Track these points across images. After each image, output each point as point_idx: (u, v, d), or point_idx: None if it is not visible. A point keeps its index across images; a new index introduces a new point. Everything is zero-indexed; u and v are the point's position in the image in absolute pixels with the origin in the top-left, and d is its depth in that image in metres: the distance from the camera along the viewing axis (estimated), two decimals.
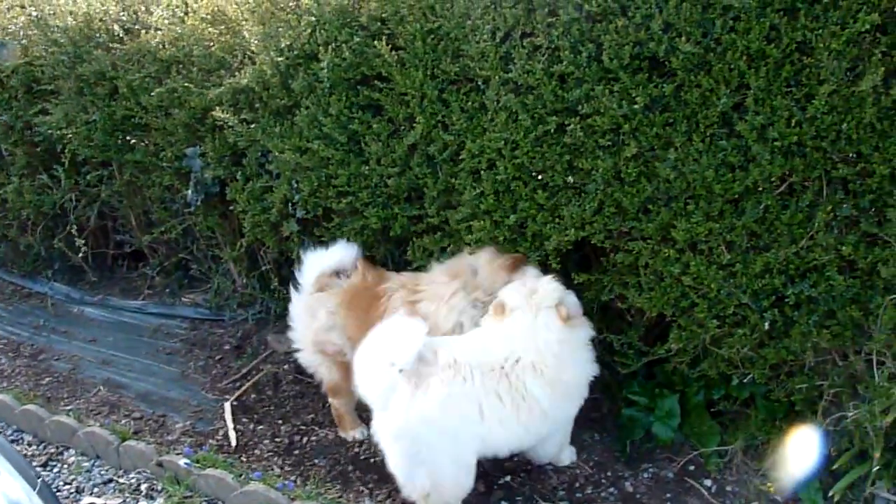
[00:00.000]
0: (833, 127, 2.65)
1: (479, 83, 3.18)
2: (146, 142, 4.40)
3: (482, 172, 3.26)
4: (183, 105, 4.03)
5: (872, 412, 2.82)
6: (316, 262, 3.64)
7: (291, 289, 3.74)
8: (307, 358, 3.75)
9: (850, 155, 2.71)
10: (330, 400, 3.84)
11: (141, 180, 4.63)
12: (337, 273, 3.63)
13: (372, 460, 3.69)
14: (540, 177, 3.16)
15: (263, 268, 4.52)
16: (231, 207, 4.18)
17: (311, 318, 3.64)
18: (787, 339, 2.95)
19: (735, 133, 2.79)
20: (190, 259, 4.94)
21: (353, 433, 3.82)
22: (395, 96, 3.37)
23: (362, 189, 3.59)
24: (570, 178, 3.08)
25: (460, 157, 3.29)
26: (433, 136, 3.33)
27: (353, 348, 3.44)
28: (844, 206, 2.76)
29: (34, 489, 1.90)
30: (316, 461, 3.72)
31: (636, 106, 2.85)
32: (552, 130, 3.04)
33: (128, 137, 4.46)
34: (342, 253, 3.64)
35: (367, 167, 3.53)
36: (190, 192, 4.27)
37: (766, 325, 2.95)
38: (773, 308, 2.95)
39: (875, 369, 2.87)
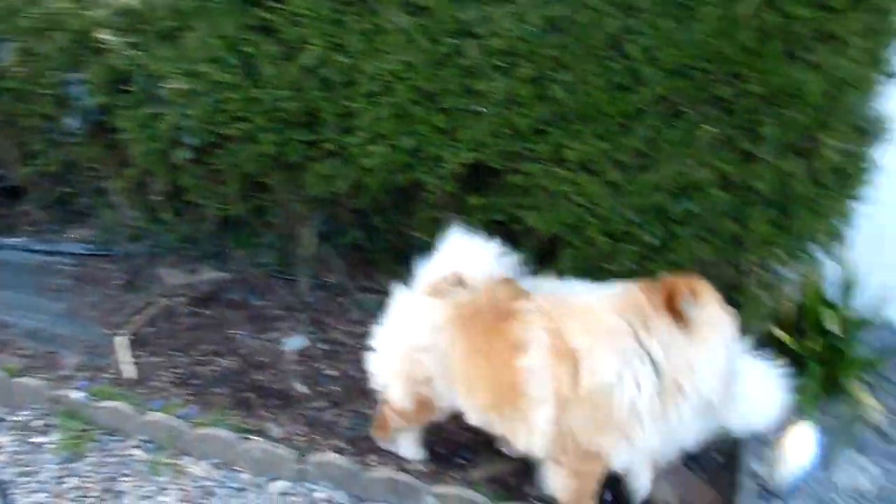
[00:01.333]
0: (715, 49, 2.78)
1: (375, 4, 3.15)
2: (23, 68, 4.14)
3: (379, 96, 3.26)
4: (62, 27, 3.82)
5: (745, 318, 3.04)
6: (453, 256, 2.90)
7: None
8: (384, 369, 3.05)
9: (730, 76, 2.86)
10: (383, 408, 3.18)
11: (18, 109, 4.38)
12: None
13: (274, 387, 3.72)
14: (436, 99, 3.19)
15: (153, 200, 4.39)
16: (117, 136, 4.02)
17: (409, 327, 2.92)
18: (672, 254, 3.12)
19: (625, 54, 2.89)
20: (74, 193, 4.74)
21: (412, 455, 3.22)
22: (288, 17, 3.31)
23: (256, 114, 3.52)
24: (465, 99, 3.13)
25: (356, 81, 3.28)
26: (328, 59, 3.30)
27: (448, 386, 2.86)
28: (723, 125, 2.92)
29: None
30: (217, 390, 3.71)
31: (532, 28, 2.91)
32: (449, 52, 3.07)
33: None
34: (494, 256, 2.89)
35: (260, 91, 3.46)
36: (71, 119, 4.08)
37: (653, 240, 3.11)
38: (659, 224, 3.11)
39: (750, 278, 3.09)
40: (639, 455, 2.65)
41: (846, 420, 3.32)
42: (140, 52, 3.62)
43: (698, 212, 3.04)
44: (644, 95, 2.91)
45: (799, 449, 3.03)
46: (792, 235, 2.99)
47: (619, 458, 2.65)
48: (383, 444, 3.24)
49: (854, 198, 3.05)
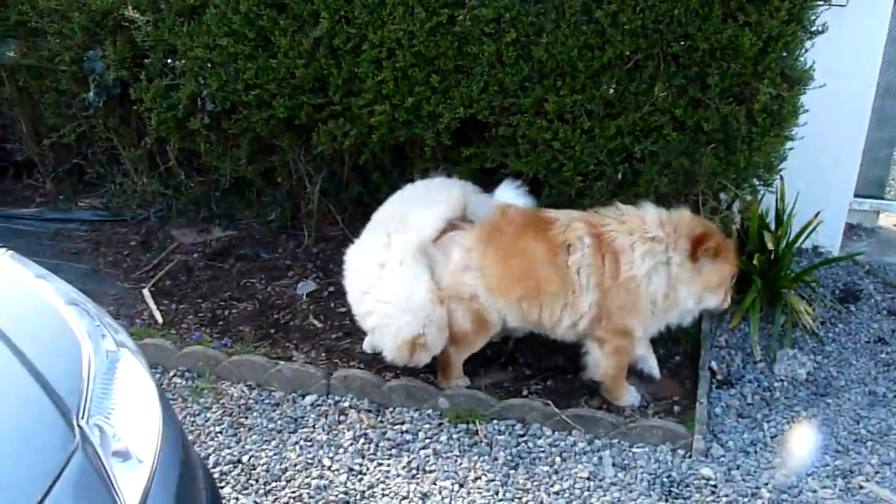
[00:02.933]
0: (668, 13, 3.36)
1: None
2: (41, 47, 4.54)
3: (383, 61, 3.76)
4: (82, 9, 4.23)
5: None
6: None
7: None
8: (437, 299, 3.40)
9: (680, 36, 3.43)
10: (444, 352, 3.54)
11: (33, 87, 4.76)
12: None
13: (292, 323, 4.21)
14: (434, 62, 3.71)
15: (168, 165, 4.81)
16: (133, 108, 4.44)
17: (444, 259, 3.44)
18: (636, 187, 3.69)
19: (594, 19, 3.44)
20: (84, 164, 5.13)
21: (457, 381, 3.65)
22: None
23: (270, 81, 3.99)
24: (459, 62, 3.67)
25: (362, 49, 3.78)
26: (337, 30, 3.78)
27: (488, 291, 3.37)
28: (676, 76, 3.50)
29: None
30: (241, 328, 4.18)
31: None
32: (444, 21, 3.59)
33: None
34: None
35: (274, 61, 3.93)
36: (91, 94, 4.48)
37: (619, 177, 3.68)
38: (624, 163, 3.68)
39: (700, 207, 3.69)
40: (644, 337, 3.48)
41: (785, 324, 3.95)
42: (161, 29, 4.06)
43: (657, 151, 3.62)
44: (610, 54, 3.47)
45: None
46: (734, 168, 3.59)
47: (638, 337, 3.43)
48: (445, 385, 3.61)
49: (787, 137, 3.67)
